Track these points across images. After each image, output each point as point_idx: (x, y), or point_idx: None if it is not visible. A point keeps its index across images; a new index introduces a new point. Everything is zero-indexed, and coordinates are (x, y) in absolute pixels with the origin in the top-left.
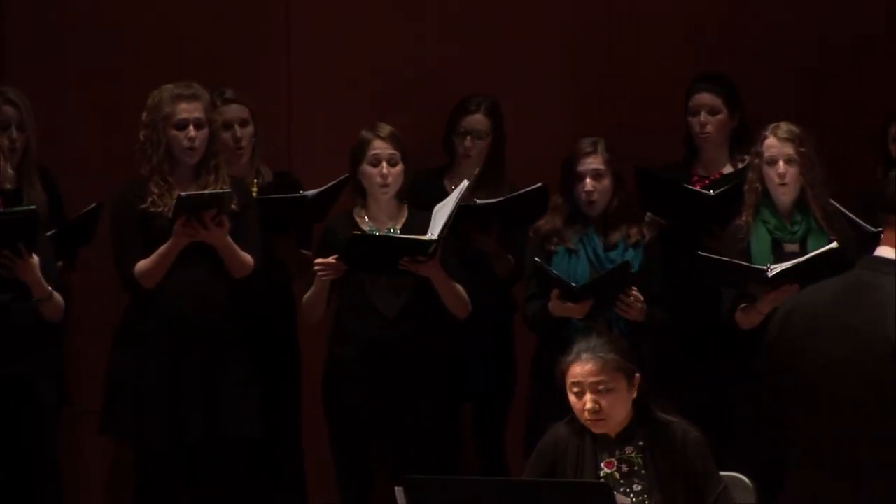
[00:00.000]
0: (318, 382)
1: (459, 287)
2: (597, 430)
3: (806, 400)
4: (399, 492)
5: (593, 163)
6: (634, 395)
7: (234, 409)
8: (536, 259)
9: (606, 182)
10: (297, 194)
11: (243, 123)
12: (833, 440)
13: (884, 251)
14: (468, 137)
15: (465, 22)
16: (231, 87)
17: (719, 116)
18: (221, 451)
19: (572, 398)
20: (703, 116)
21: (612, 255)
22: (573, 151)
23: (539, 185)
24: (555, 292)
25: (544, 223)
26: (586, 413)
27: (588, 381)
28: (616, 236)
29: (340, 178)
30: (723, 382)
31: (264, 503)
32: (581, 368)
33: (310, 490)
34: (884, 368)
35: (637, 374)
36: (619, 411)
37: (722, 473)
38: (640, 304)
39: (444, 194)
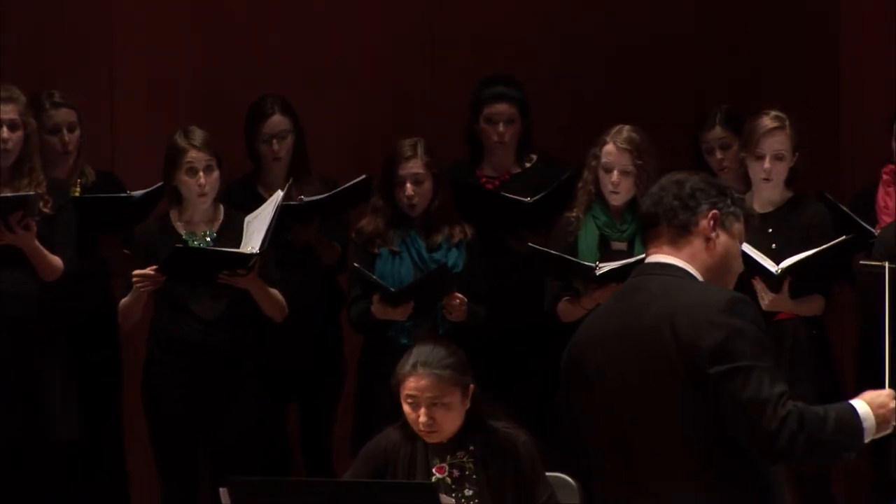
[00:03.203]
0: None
1: (277, 293)
2: (430, 440)
3: (590, 406)
4: (224, 493)
5: (413, 167)
6: (468, 405)
7: (52, 411)
8: (356, 264)
9: (427, 185)
10: (125, 194)
11: (71, 127)
12: (615, 443)
13: (650, 258)
14: (273, 140)
15: (282, 24)
16: (55, 88)
17: (515, 125)
18: (41, 453)
19: (407, 408)
20: (501, 126)
21: (436, 255)
22: (393, 154)
23: (363, 177)
24: (376, 296)
25: (366, 224)
26: (421, 426)
27: (423, 396)
28: (439, 237)
29: (151, 188)
30: (543, 381)
31: None
32: (416, 383)
33: (134, 491)
34: (653, 358)
35: (472, 386)
36: (452, 423)
37: (547, 473)
38: (463, 307)
39: (260, 200)
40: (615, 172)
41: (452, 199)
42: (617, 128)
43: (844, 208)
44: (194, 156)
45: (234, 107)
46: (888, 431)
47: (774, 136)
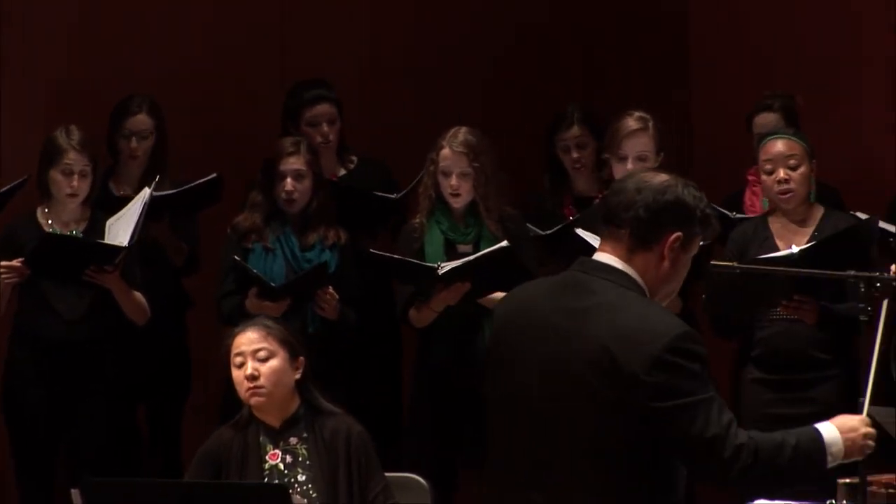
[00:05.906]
0: None
1: (140, 296)
2: (256, 402)
3: (509, 397)
4: (75, 494)
5: (295, 163)
6: (298, 376)
7: None
8: (236, 258)
9: (307, 182)
10: None
11: None
12: (528, 442)
13: (601, 256)
14: (133, 138)
15: (154, 24)
16: None
17: (337, 125)
18: None
19: (235, 371)
20: (325, 127)
21: (309, 255)
22: (276, 150)
23: (213, 175)
24: (253, 290)
25: (243, 220)
26: (246, 382)
27: (250, 349)
28: (313, 237)
29: (16, 181)
30: (397, 382)
31: None
32: (244, 337)
33: None
34: (586, 369)
35: (301, 357)
36: (279, 384)
37: (398, 474)
38: (335, 302)
39: (110, 195)
40: (454, 176)
41: (334, 202)
42: (452, 131)
43: (713, 205)
44: (73, 158)
45: (94, 107)
46: (860, 458)
47: (637, 138)
